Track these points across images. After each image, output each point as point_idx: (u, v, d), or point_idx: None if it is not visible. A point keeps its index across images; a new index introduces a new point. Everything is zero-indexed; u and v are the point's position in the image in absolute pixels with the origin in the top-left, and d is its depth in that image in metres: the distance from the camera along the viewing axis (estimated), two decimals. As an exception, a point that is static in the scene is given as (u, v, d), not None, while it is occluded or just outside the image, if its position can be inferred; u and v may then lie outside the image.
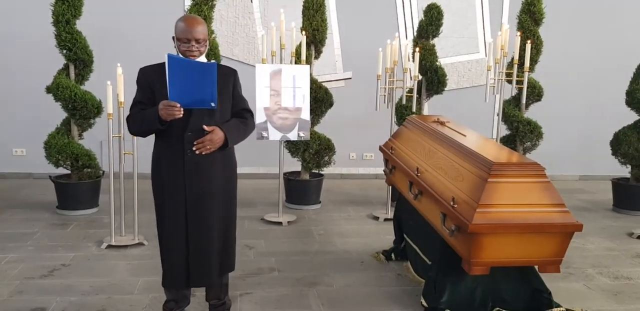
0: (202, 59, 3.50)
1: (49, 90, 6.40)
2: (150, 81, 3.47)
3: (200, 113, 3.40)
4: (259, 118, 6.08)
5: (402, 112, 7.11)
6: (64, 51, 6.42)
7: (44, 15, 6.64)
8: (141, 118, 3.43)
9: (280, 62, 6.51)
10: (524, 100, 7.27)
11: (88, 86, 6.61)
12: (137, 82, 3.54)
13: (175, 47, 3.50)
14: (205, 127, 3.39)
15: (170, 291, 3.73)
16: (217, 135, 3.41)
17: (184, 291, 3.76)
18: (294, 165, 7.48)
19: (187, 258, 3.54)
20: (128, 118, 3.55)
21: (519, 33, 7.09)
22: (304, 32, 6.70)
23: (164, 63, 3.53)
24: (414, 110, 6.91)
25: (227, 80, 3.55)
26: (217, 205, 3.57)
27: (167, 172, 3.50)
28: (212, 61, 3.38)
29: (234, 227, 3.75)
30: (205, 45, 3.49)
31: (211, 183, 3.53)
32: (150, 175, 3.61)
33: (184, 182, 3.47)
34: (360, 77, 8.46)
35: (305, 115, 6.25)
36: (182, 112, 3.29)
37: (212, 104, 3.33)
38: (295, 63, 6.54)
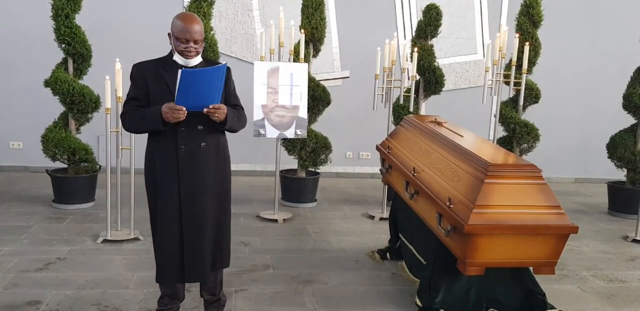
0: (198, 58, 3.51)
1: (47, 84, 6.39)
2: (145, 76, 3.48)
3: None
4: (257, 115, 6.09)
5: (400, 112, 7.12)
6: (63, 45, 6.42)
7: (43, 9, 6.64)
8: (141, 117, 3.44)
9: (279, 60, 6.52)
10: (521, 102, 7.30)
11: (86, 80, 6.60)
12: (131, 77, 3.54)
13: (170, 43, 3.50)
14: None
15: (165, 286, 3.73)
16: (225, 108, 3.43)
17: (179, 287, 3.76)
18: (291, 162, 7.48)
19: (181, 253, 3.55)
20: (123, 116, 3.55)
21: (517, 35, 7.11)
22: (302, 31, 6.71)
23: (158, 59, 3.56)
24: (411, 110, 6.92)
25: None
26: (211, 200, 3.58)
27: (160, 168, 3.51)
28: (224, 63, 3.39)
29: (228, 222, 3.74)
30: (202, 45, 3.51)
31: (205, 178, 3.53)
32: (144, 170, 3.61)
33: (177, 177, 3.48)
34: (358, 76, 8.47)
35: (303, 113, 6.26)
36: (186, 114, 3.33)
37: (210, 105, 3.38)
38: (294, 61, 6.54)
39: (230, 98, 3.65)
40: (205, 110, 3.36)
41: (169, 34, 3.48)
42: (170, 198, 3.50)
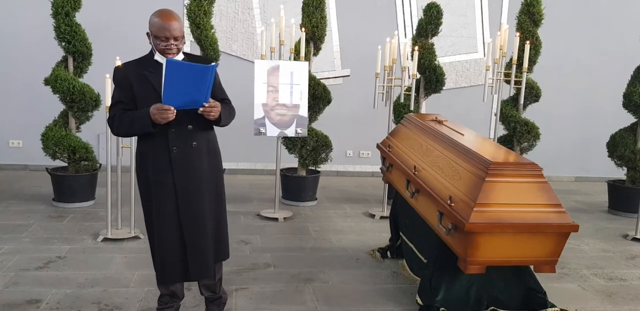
0: (180, 55, 3.48)
1: (47, 82, 6.39)
2: (129, 79, 3.43)
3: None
4: (257, 114, 6.08)
5: (400, 111, 7.12)
6: (63, 43, 6.41)
7: (43, 7, 6.64)
8: (129, 121, 3.40)
9: (279, 59, 6.51)
10: (521, 101, 7.29)
11: (86, 79, 6.60)
12: (115, 80, 3.50)
13: (150, 43, 3.46)
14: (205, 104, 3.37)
15: (165, 285, 3.72)
16: (219, 106, 3.41)
17: (178, 286, 3.75)
18: (291, 161, 7.48)
19: (183, 253, 3.54)
20: (111, 120, 3.50)
21: (518, 33, 7.10)
22: (303, 29, 6.70)
23: (140, 59, 3.52)
24: (411, 108, 6.91)
25: None
26: (207, 195, 3.57)
27: (153, 169, 3.48)
28: (214, 63, 3.35)
29: (224, 216, 3.73)
30: (183, 42, 3.46)
31: (200, 176, 3.52)
32: (135, 173, 3.60)
33: (172, 178, 3.46)
34: (358, 74, 8.47)
35: (303, 111, 6.25)
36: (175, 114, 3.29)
37: (205, 104, 3.33)
38: (294, 59, 6.54)
39: (217, 92, 3.61)
40: (200, 110, 3.33)
41: (147, 34, 3.45)
42: (166, 200, 3.48)
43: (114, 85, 3.52)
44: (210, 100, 3.38)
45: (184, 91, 3.25)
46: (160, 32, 3.35)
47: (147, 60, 3.49)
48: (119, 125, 3.47)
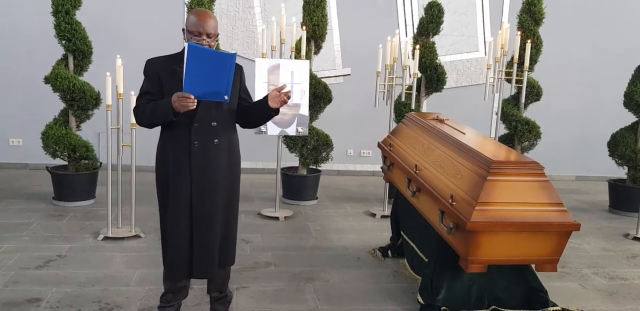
0: None
1: (47, 80, 6.38)
2: (158, 72, 3.46)
3: (208, 104, 3.41)
4: (258, 112, 6.06)
5: (401, 109, 7.11)
6: (63, 41, 6.40)
7: (43, 5, 6.63)
8: (152, 109, 3.41)
9: (280, 57, 6.49)
10: (522, 100, 7.28)
11: (87, 77, 6.59)
12: (145, 72, 3.53)
13: (184, 39, 3.49)
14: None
15: (170, 283, 3.71)
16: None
17: (183, 284, 3.75)
18: (292, 160, 7.47)
19: (190, 249, 3.54)
20: (136, 109, 3.53)
21: (519, 32, 7.09)
22: (304, 27, 6.68)
23: (171, 55, 3.54)
24: (412, 107, 6.91)
25: (236, 73, 3.54)
26: (222, 196, 3.58)
27: (173, 164, 3.49)
28: (233, 52, 3.37)
29: (235, 220, 3.74)
30: (215, 41, 3.49)
31: (217, 174, 3.53)
32: (155, 166, 3.59)
33: (190, 174, 3.46)
34: (359, 73, 8.46)
35: (304, 110, 6.24)
36: (196, 104, 3.29)
37: (226, 97, 3.31)
38: (295, 58, 6.52)
39: (246, 96, 3.71)
40: (283, 92, 3.44)
41: (183, 30, 3.48)
42: (181, 195, 3.49)
43: (144, 76, 3.53)
44: (282, 86, 3.50)
45: (205, 79, 3.23)
46: (194, 27, 3.39)
47: (178, 57, 3.49)
48: (142, 113, 3.48)
